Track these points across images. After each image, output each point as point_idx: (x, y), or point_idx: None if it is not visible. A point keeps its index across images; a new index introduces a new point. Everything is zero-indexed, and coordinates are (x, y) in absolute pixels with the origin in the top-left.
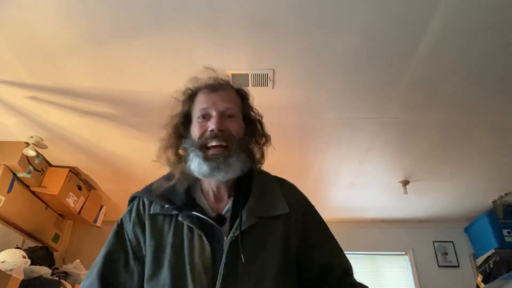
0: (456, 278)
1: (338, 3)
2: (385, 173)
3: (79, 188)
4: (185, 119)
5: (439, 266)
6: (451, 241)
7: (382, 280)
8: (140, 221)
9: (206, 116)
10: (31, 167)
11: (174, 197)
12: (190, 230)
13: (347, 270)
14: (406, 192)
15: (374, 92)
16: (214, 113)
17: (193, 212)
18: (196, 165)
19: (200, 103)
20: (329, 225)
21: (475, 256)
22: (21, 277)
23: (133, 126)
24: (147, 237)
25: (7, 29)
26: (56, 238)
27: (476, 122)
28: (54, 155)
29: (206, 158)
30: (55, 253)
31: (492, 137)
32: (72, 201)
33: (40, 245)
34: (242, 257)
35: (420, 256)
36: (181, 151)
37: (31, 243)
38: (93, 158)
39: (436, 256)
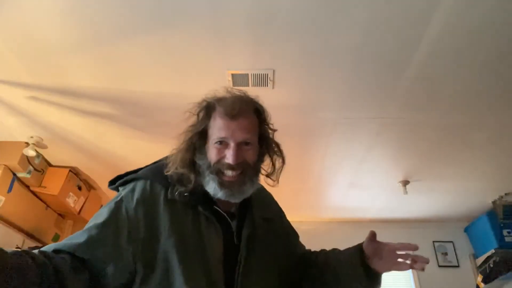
0: (456, 278)
1: (338, 4)
2: (385, 173)
3: (79, 188)
4: (201, 134)
5: (439, 266)
6: (451, 241)
7: (382, 280)
8: (156, 205)
9: (223, 144)
10: (31, 167)
11: (193, 192)
12: (207, 221)
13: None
14: (406, 192)
15: (374, 92)
16: (232, 144)
17: (214, 206)
18: (212, 189)
19: (219, 130)
20: (329, 225)
21: (475, 256)
22: None
23: (133, 126)
24: (164, 221)
25: (7, 29)
26: (56, 238)
27: (476, 122)
28: (54, 155)
29: (222, 185)
30: None
31: (492, 137)
32: (72, 201)
33: (40, 245)
34: (256, 251)
35: None
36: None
37: (31, 243)
38: (93, 158)
39: (436, 256)
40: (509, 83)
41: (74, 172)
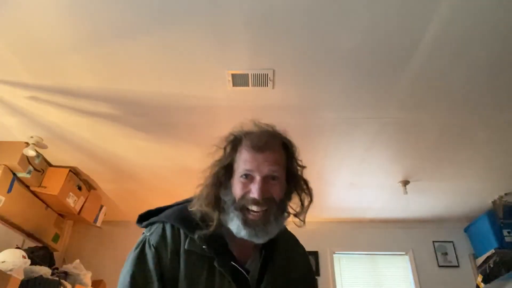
0: (456, 278)
1: (338, 4)
2: (385, 173)
3: (79, 188)
4: (226, 169)
5: (439, 266)
6: (451, 241)
7: (382, 280)
8: (177, 252)
9: (249, 177)
10: (31, 167)
11: (210, 239)
12: (221, 277)
13: None
14: (406, 192)
15: (374, 92)
16: (258, 178)
17: (231, 262)
18: (235, 227)
19: (244, 162)
20: (329, 225)
21: (475, 256)
22: (21, 277)
23: (133, 126)
24: (181, 271)
25: (7, 29)
26: (56, 238)
27: (476, 122)
28: (54, 155)
29: (245, 223)
30: (55, 253)
31: (492, 137)
32: (72, 201)
33: (40, 245)
34: None
35: (420, 256)
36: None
37: (31, 243)
38: (93, 158)
39: (436, 256)
40: (509, 83)
41: (74, 172)
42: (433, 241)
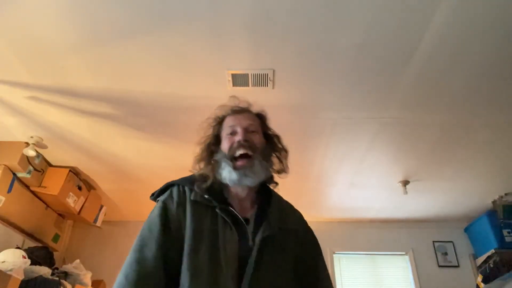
0: (456, 278)
1: (338, 4)
2: (385, 173)
3: (79, 188)
4: (215, 140)
5: (439, 266)
6: (451, 241)
7: (382, 280)
8: (182, 204)
9: (233, 133)
10: (31, 167)
11: (212, 193)
12: (224, 221)
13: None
14: (406, 192)
15: (374, 92)
16: (239, 129)
17: (230, 208)
18: (227, 173)
19: (228, 123)
20: (329, 225)
21: (475, 256)
22: (21, 277)
23: (133, 126)
24: (188, 219)
25: (7, 29)
26: (56, 238)
27: (476, 122)
28: (54, 155)
29: (235, 168)
30: (55, 253)
31: (492, 137)
32: (72, 201)
33: (40, 245)
34: (268, 256)
35: (420, 256)
36: (212, 162)
37: (31, 243)
38: (93, 158)
39: (436, 256)
40: (509, 83)
41: (74, 172)
42: (433, 241)
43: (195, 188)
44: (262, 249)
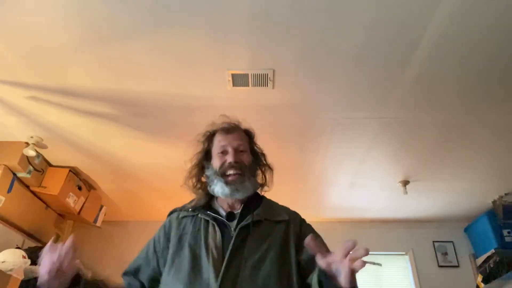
0: (456, 278)
1: (338, 4)
2: (385, 173)
3: (79, 188)
4: (206, 155)
5: (439, 266)
6: (451, 241)
7: (382, 280)
8: (171, 227)
9: (224, 152)
10: (31, 167)
11: (197, 207)
12: (206, 222)
13: None
14: (406, 192)
15: (374, 92)
16: (230, 150)
17: (208, 212)
18: (219, 188)
19: (219, 142)
20: (329, 225)
21: (475, 256)
22: (21, 277)
23: (133, 126)
24: (173, 232)
25: (8, 29)
26: (56, 238)
27: (476, 122)
28: (54, 155)
29: (227, 183)
30: None
31: (492, 137)
32: (72, 201)
33: (40, 245)
34: (250, 242)
35: (420, 256)
36: (203, 179)
37: (31, 243)
38: (93, 158)
39: (436, 256)
40: (509, 83)
41: (74, 172)
42: (433, 241)
43: (183, 209)
44: (243, 235)
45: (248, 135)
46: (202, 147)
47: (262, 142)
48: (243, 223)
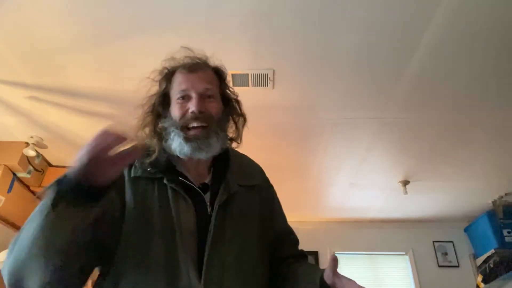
0: (456, 278)
1: (338, 4)
2: (385, 173)
3: None
4: (163, 99)
5: (439, 266)
6: (451, 241)
7: (382, 280)
8: (123, 184)
9: (185, 97)
10: (31, 167)
11: (156, 164)
12: (175, 193)
13: (297, 240)
14: (406, 192)
15: (374, 92)
16: (193, 95)
17: (179, 178)
18: (177, 145)
19: (179, 84)
20: (329, 225)
21: (475, 256)
22: None
23: (133, 126)
24: (128, 199)
25: (7, 29)
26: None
27: (476, 122)
28: (54, 155)
29: (187, 139)
30: None
31: (492, 137)
32: None
33: None
34: (229, 220)
35: (420, 256)
36: (158, 129)
37: None
38: None
39: (436, 256)
40: (509, 83)
41: None
42: (433, 241)
43: (136, 163)
44: (222, 215)
45: (219, 75)
46: (158, 89)
47: (262, 142)
48: (220, 198)
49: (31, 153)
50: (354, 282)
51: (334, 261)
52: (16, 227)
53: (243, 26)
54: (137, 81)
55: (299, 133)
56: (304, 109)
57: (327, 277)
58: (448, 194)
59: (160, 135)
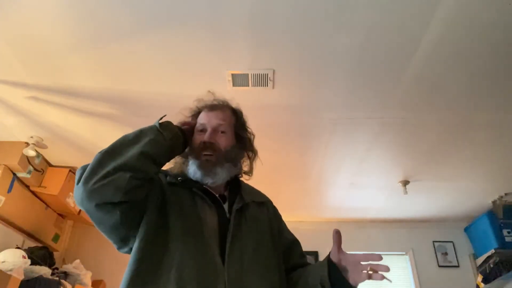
0: (456, 278)
1: (338, 4)
2: (385, 173)
3: None
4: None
5: (439, 266)
6: (451, 241)
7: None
8: (163, 184)
9: (203, 130)
10: (31, 167)
11: (185, 177)
12: (202, 199)
13: (304, 254)
14: (406, 192)
15: (374, 92)
16: (208, 128)
17: (204, 186)
18: (193, 171)
19: (200, 120)
20: (329, 225)
21: (475, 256)
22: (21, 277)
23: (133, 126)
24: (167, 195)
25: (7, 29)
26: (56, 238)
27: (476, 122)
28: (54, 155)
29: (199, 166)
30: (55, 253)
31: (492, 137)
32: (72, 201)
33: (40, 245)
34: (245, 223)
35: (420, 256)
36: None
37: (31, 243)
38: (93, 158)
39: (436, 256)
40: (509, 83)
41: (74, 172)
42: (433, 241)
43: (169, 173)
44: (239, 218)
45: (236, 115)
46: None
47: (262, 142)
48: (236, 206)
49: (31, 153)
50: (357, 254)
51: (338, 234)
52: (16, 227)
53: (243, 26)
54: (137, 81)
55: (299, 133)
56: (304, 109)
57: (333, 255)
58: (448, 194)
59: (183, 161)
